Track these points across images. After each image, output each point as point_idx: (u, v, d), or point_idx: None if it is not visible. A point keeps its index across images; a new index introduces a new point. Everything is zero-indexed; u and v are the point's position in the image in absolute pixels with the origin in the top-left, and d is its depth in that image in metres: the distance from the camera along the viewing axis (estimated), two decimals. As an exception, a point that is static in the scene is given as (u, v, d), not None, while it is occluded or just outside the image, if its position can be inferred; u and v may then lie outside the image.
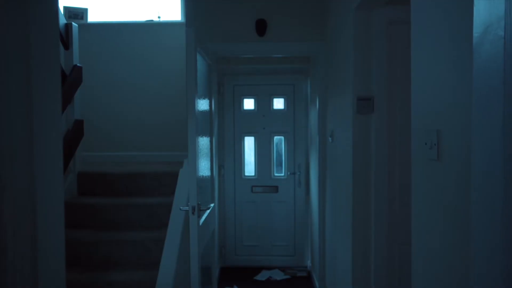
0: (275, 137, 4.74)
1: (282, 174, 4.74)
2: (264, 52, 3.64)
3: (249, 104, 4.75)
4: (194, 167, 2.49)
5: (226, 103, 4.70)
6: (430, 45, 1.41)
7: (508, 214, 0.85)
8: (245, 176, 4.75)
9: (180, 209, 2.68)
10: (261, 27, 3.50)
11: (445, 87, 1.30)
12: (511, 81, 0.82)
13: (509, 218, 0.85)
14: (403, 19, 2.03)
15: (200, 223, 2.61)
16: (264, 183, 4.73)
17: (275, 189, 4.71)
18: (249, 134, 4.74)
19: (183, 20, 4.34)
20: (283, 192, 4.71)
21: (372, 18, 2.42)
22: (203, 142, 2.93)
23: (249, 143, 4.77)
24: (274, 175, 4.74)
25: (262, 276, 4.40)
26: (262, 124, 4.69)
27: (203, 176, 2.91)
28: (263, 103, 4.70)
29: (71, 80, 3.22)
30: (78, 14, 4.40)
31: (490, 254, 0.91)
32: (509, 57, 0.81)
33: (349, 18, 2.54)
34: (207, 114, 3.33)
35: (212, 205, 3.17)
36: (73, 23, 3.41)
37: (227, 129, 4.70)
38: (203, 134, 2.96)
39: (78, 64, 3.35)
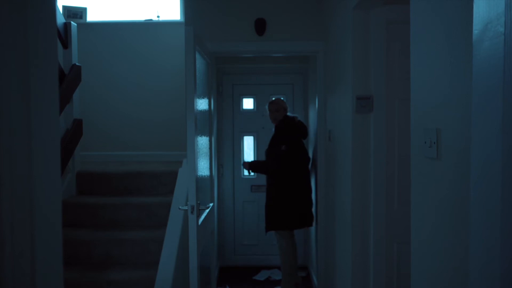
0: (275, 137, 4.72)
1: (282, 174, 4.73)
2: (263, 52, 3.63)
3: (248, 103, 4.75)
4: (193, 166, 2.49)
5: (226, 102, 4.70)
6: (429, 43, 1.40)
7: (507, 212, 0.85)
8: (244, 175, 4.74)
9: (179, 208, 2.68)
10: (260, 26, 3.50)
11: (445, 85, 1.30)
12: (511, 77, 0.81)
13: (508, 217, 0.85)
14: (402, 18, 2.03)
15: (199, 223, 2.60)
16: (263, 183, 4.70)
17: (274, 188, 4.69)
18: (249, 133, 4.74)
19: (182, 20, 4.34)
20: (283, 192, 4.69)
21: (371, 17, 2.42)
22: (202, 141, 2.92)
23: (248, 142, 4.76)
24: (273, 175, 4.73)
25: (261, 276, 4.39)
26: (262, 123, 4.67)
27: (202, 175, 2.90)
28: (263, 103, 4.69)
29: (70, 79, 3.22)
30: (77, 13, 4.40)
31: (488, 252, 0.90)
32: (509, 53, 0.81)
33: (348, 17, 2.54)
34: (206, 113, 3.33)
35: (211, 204, 3.16)
36: (72, 22, 3.40)
37: (226, 129, 4.70)
38: (202, 133, 2.95)
39: (77, 63, 3.35)
